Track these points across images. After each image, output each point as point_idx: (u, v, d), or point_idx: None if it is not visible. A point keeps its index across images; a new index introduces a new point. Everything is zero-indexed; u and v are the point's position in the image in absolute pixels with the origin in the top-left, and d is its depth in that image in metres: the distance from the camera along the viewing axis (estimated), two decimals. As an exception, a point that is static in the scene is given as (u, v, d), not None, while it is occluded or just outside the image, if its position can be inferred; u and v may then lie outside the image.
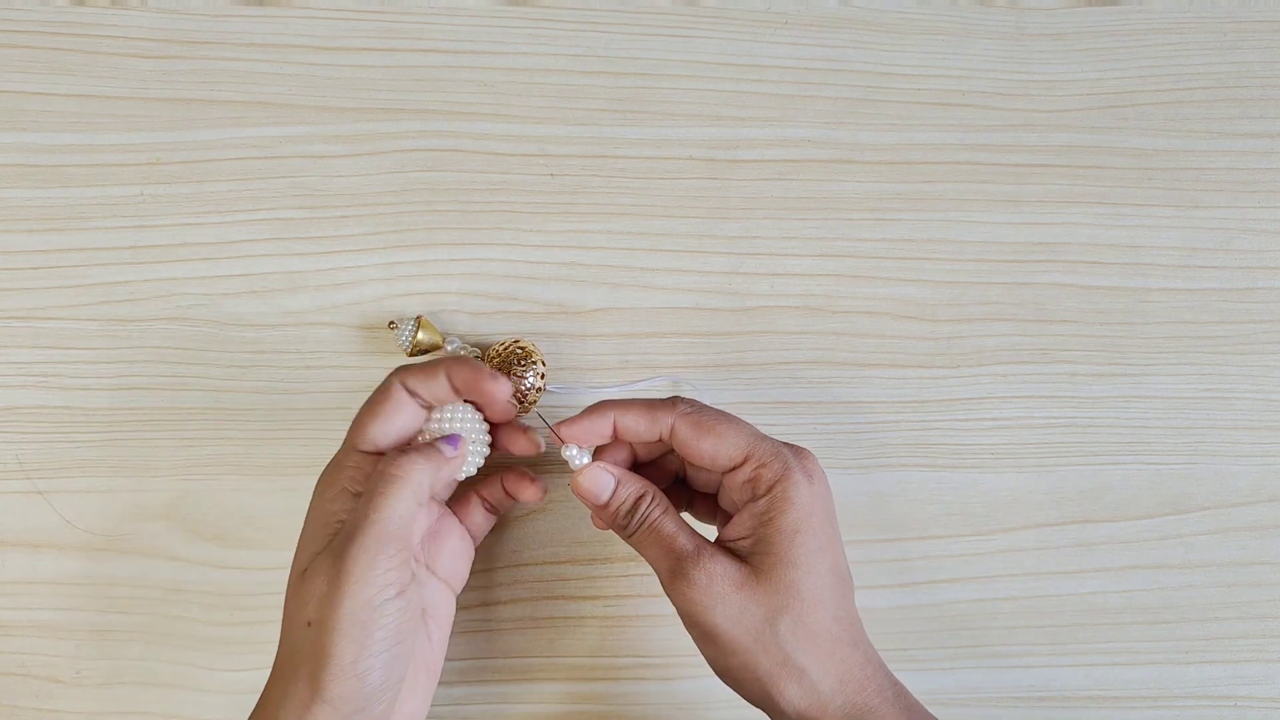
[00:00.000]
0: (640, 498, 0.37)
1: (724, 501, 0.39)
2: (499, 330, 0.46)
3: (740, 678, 0.36)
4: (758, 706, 0.36)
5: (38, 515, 0.44)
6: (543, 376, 0.43)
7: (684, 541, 0.36)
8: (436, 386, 0.38)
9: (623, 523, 0.37)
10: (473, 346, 0.45)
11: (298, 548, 0.37)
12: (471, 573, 0.45)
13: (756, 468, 0.36)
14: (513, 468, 0.42)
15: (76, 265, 0.46)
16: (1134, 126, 0.48)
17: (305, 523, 0.37)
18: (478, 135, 0.47)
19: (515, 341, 0.44)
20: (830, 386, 0.46)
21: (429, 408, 0.39)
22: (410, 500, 0.35)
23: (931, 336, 0.47)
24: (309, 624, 0.34)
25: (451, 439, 0.38)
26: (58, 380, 0.45)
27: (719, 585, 0.35)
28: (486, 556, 0.45)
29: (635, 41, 0.48)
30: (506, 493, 0.41)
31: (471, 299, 0.46)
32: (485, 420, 0.39)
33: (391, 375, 0.38)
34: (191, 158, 0.46)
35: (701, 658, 0.37)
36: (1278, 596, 0.46)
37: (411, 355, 0.44)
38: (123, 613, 0.44)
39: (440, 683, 0.44)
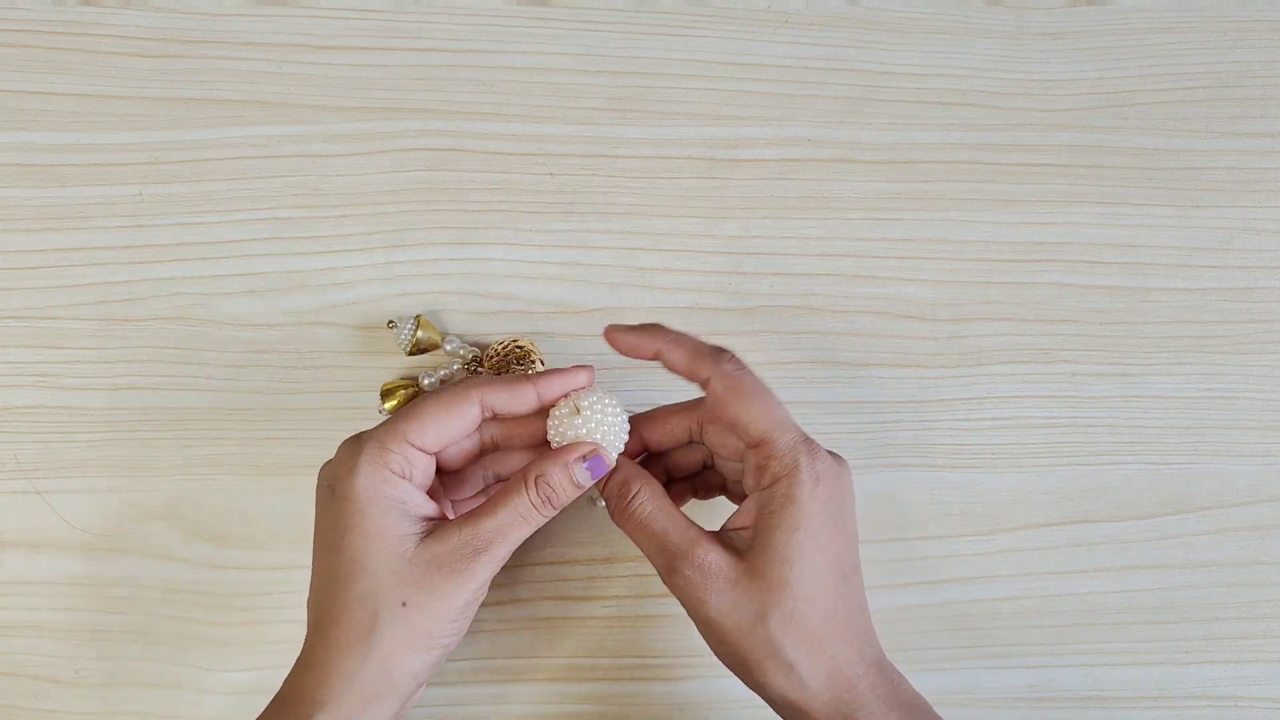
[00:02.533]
0: (628, 483, 0.37)
1: (745, 481, 0.39)
2: (498, 330, 0.46)
3: (733, 663, 0.36)
4: (751, 689, 0.37)
5: (36, 515, 0.44)
6: None
7: (677, 537, 0.36)
8: (522, 397, 0.37)
9: (612, 508, 0.37)
10: (472, 346, 0.45)
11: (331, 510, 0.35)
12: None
13: (767, 456, 0.36)
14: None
15: (75, 265, 0.46)
16: (1134, 126, 0.48)
17: (348, 492, 0.34)
18: (477, 135, 0.47)
19: (513, 341, 0.44)
20: (830, 386, 0.46)
21: (498, 419, 0.37)
22: (527, 533, 0.36)
23: (931, 336, 0.47)
24: (404, 604, 0.34)
25: (595, 466, 0.36)
26: (56, 380, 0.45)
27: (713, 580, 0.35)
28: (486, 557, 0.45)
29: (635, 41, 0.48)
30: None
31: (471, 299, 0.46)
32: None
33: (470, 387, 0.37)
34: (190, 157, 0.46)
35: (701, 658, 0.37)
36: (1278, 596, 0.46)
37: (410, 354, 0.44)
38: (121, 613, 0.44)
39: (440, 683, 0.44)
